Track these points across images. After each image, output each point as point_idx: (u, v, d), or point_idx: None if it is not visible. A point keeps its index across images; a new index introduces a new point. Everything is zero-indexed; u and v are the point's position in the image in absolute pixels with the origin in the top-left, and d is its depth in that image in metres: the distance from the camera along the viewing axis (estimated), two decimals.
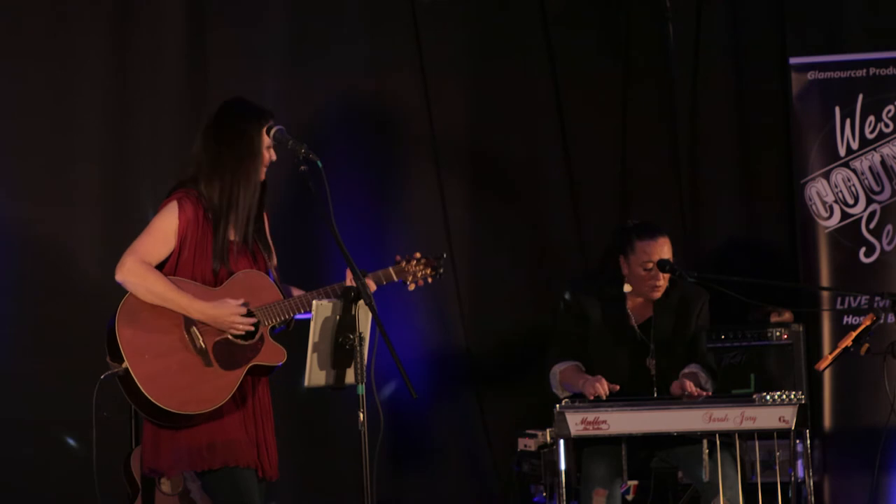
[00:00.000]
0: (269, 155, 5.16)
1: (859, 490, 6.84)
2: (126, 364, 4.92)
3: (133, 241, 5.04)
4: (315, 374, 4.98)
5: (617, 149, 7.66)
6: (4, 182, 6.57)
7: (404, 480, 7.16)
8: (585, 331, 6.08)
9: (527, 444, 6.54)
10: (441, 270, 5.36)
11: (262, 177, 5.16)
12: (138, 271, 4.98)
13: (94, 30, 6.72)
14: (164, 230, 5.05)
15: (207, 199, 5.08)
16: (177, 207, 5.05)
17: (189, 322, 5.01)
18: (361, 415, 4.84)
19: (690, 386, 5.82)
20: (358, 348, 4.89)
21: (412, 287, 5.36)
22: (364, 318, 4.96)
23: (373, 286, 5.18)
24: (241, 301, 5.04)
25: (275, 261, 5.29)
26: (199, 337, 5.01)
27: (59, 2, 6.66)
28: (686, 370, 5.98)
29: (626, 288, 6.09)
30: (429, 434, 7.22)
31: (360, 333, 4.91)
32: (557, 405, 5.70)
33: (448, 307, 7.34)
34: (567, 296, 6.15)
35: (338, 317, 4.95)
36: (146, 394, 4.92)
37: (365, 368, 4.89)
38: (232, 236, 5.12)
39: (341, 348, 4.92)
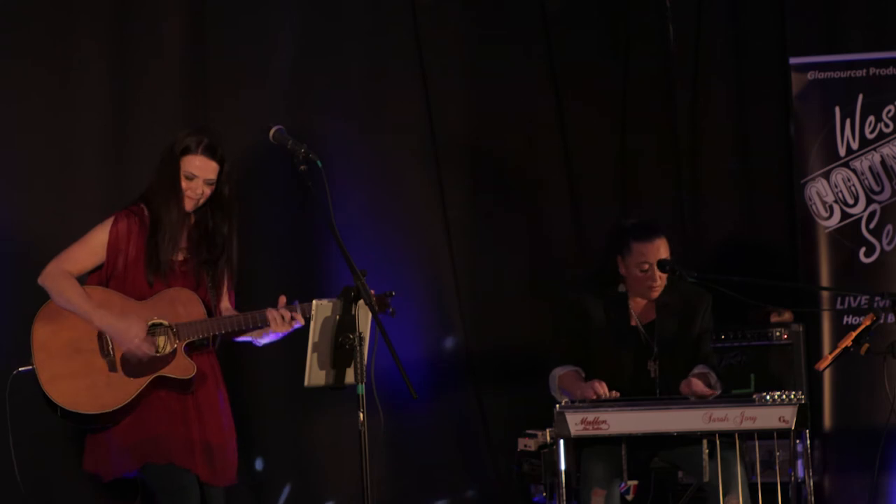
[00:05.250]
0: (190, 185, 5.31)
1: (859, 490, 6.83)
2: (33, 363, 5.20)
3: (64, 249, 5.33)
4: (315, 374, 4.98)
5: (617, 148, 7.65)
6: (2, 186, 6.55)
7: (404, 480, 7.15)
8: (588, 331, 6.08)
9: (527, 444, 6.53)
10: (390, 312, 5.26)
11: (187, 206, 5.34)
12: (55, 276, 5.27)
13: (94, 31, 6.70)
14: (93, 243, 5.33)
15: (148, 216, 5.34)
16: (111, 223, 5.33)
17: None
18: (361, 415, 4.84)
19: (699, 385, 5.82)
20: (358, 348, 4.88)
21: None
22: (364, 318, 4.95)
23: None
24: (153, 319, 5.22)
25: (224, 301, 5.44)
26: (110, 343, 5.23)
27: (59, 4, 6.65)
28: (696, 370, 5.98)
29: (621, 288, 6.09)
30: (429, 434, 7.21)
31: (359, 333, 4.91)
32: (557, 405, 5.70)
33: (448, 307, 7.33)
34: (570, 296, 6.14)
35: (338, 317, 4.95)
36: (45, 392, 5.18)
37: (365, 368, 4.88)
38: (178, 256, 5.34)
39: (341, 348, 4.92)
